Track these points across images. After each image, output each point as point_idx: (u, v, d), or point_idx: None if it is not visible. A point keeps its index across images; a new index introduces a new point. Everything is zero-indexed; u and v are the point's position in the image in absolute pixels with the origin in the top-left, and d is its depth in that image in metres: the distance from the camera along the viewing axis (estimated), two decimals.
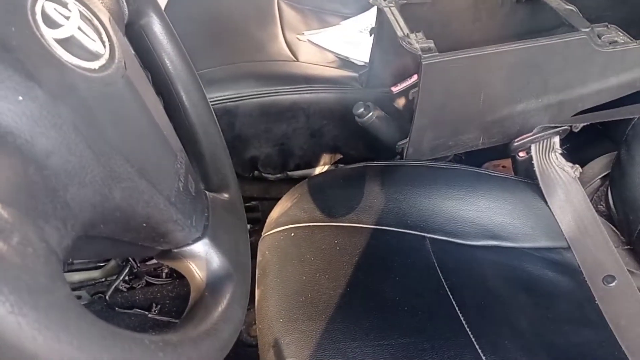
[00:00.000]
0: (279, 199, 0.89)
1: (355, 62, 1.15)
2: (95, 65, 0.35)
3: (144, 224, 0.38)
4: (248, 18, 1.23)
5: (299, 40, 1.20)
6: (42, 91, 0.30)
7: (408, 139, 0.89)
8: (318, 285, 0.74)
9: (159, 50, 0.53)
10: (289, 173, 1.14)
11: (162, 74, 0.54)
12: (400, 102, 1.02)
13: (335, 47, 1.18)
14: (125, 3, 0.47)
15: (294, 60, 1.13)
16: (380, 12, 0.93)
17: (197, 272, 0.44)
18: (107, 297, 1.00)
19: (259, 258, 0.80)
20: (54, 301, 0.24)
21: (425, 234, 0.82)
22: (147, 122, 0.40)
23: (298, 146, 1.09)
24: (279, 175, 1.14)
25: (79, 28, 0.35)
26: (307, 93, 1.02)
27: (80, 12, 0.36)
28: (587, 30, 0.82)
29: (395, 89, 1.02)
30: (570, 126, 0.89)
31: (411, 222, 0.83)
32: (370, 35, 0.99)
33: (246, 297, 0.46)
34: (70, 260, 0.93)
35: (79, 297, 1.04)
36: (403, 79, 1.00)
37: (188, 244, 0.43)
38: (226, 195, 0.53)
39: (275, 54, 1.14)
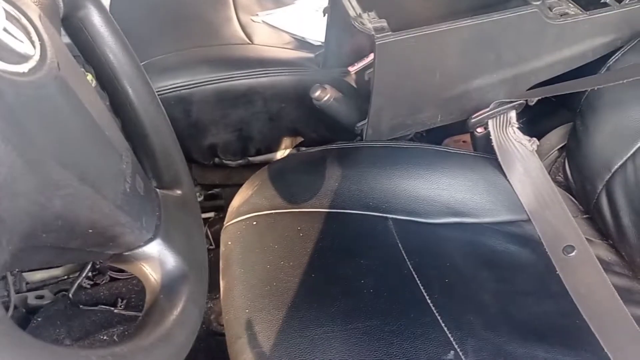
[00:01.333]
0: (241, 184, 0.88)
1: (312, 42, 1.13)
2: (24, 68, 0.33)
3: (90, 230, 0.37)
4: (200, 1, 1.19)
5: (254, 22, 1.18)
6: None
7: (367, 119, 0.88)
8: (282, 273, 0.73)
9: (100, 44, 0.51)
10: (250, 159, 1.13)
11: (106, 68, 0.51)
12: (358, 82, 1.01)
13: (290, 27, 1.16)
14: None
15: (249, 43, 1.11)
16: None
17: (151, 274, 0.43)
18: (70, 295, 0.98)
19: (222, 248, 0.79)
20: None
21: (388, 215, 0.83)
22: (86, 123, 0.38)
23: (257, 131, 1.07)
24: (240, 161, 1.12)
25: (5, 29, 0.33)
26: (263, 77, 1.00)
27: (5, 11, 0.34)
28: (538, 3, 0.82)
29: (352, 69, 1.01)
30: (526, 100, 0.90)
31: (373, 203, 0.83)
32: (324, 15, 0.98)
33: (203, 296, 0.45)
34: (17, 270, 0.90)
35: (41, 297, 1.01)
36: (360, 58, 1.00)
37: (140, 246, 0.42)
38: (179, 192, 0.52)
39: (229, 38, 1.11)
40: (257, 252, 0.76)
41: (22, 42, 0.34)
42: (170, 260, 0.43)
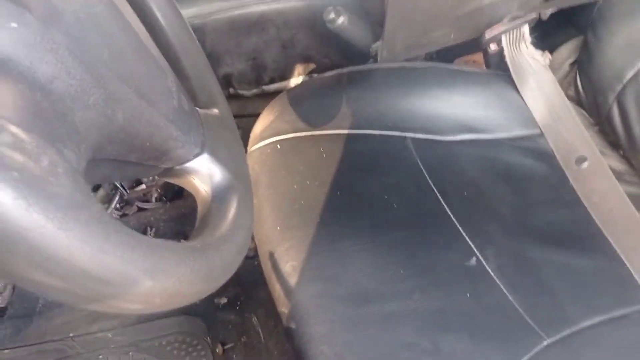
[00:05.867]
0: (256, 114, 0.89)
1: None
2: None
3: (147, 143, 0.39)
4: None
5: None
6: (33, 17, 0.29)
7: (381, 41, 0.89)
8: (309, 192, 0.76)
9: None
10: (264, 88, 1.14)
11: None
12: (369, 2, 1.01)
13: None
14: None
15: None
16: None
17: (201, 186, 0.45)
18: None
19: None
20: (92, 215, 0.25)
21: (406, 134, 0.85)
22: (135, 41, 0.40)
23: (271, 59, 1.08)
24: (254, 91, 1.13)
25: None
26: (274, 3, 1.00)
27: None
28: None
29: None
30: (539, 14, 0.90)
31: (391, 123, 0.85)
32: None
33: (251, 205, 0.47)
34: None
35: None
36: None
37: (189, 160, 0.44)
38: (216, 111, 0.54)
39: None
40: (283, 174, 0.78)
41: None
42: (218, 172, 0.45)
